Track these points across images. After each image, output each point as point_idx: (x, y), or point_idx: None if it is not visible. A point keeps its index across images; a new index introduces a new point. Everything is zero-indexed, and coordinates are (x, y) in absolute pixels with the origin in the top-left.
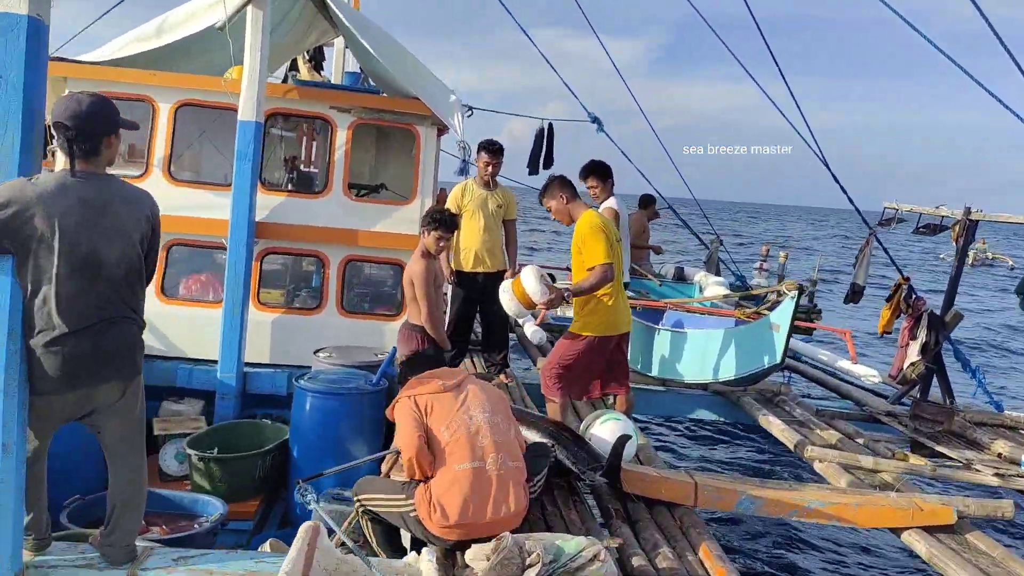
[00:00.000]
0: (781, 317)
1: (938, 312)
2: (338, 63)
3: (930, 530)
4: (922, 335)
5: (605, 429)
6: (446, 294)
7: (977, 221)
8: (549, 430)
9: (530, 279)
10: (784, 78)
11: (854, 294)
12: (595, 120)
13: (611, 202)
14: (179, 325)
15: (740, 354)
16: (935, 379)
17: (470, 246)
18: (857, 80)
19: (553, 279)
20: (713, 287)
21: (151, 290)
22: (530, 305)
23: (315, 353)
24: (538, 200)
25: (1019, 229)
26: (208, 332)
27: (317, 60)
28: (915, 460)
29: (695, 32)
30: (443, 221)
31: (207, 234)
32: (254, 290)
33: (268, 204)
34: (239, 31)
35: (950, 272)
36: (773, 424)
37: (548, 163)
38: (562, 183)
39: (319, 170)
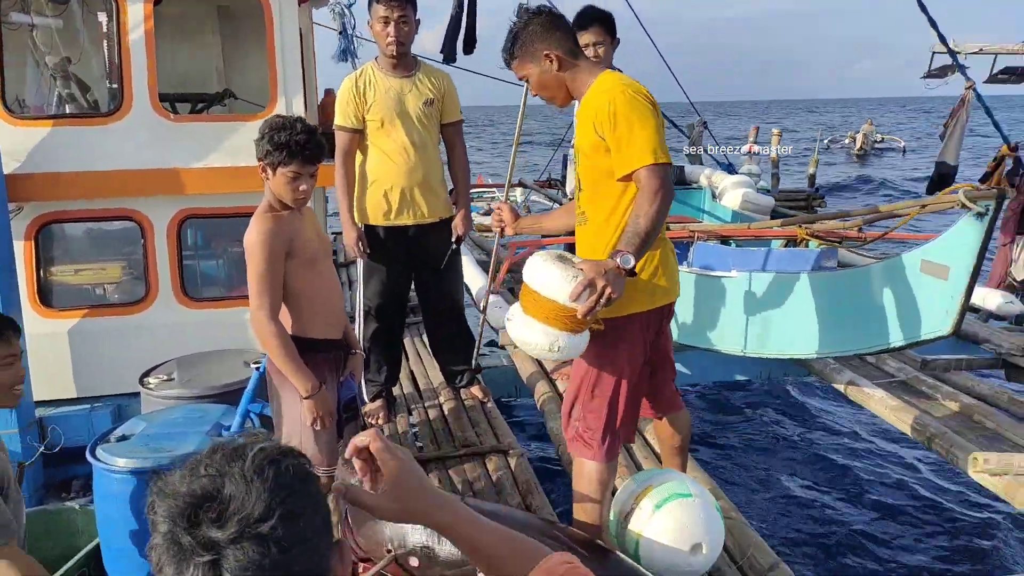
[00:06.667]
0: (952, 252)
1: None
2: None
3: None
4: None
5: (664, 522)
6: (346, 265)
7: None
8: None
9: (546, 270)
10: None
11: (941, 178)
12: None
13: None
14: None
15: (862, 315)
16: None
17: (387, 180)
18: None
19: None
20: (733, 189)
21: None
22: (568, 321)
23: (142, 380)
24: (505, 64)
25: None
26: None
27: None
28: None
29: None
30: (290, 144)
31: None
32: (31, 286)
33: (26, 143)
34: None
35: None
36: (871, 398)
37: (470, 46)
38: (552, 22)
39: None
